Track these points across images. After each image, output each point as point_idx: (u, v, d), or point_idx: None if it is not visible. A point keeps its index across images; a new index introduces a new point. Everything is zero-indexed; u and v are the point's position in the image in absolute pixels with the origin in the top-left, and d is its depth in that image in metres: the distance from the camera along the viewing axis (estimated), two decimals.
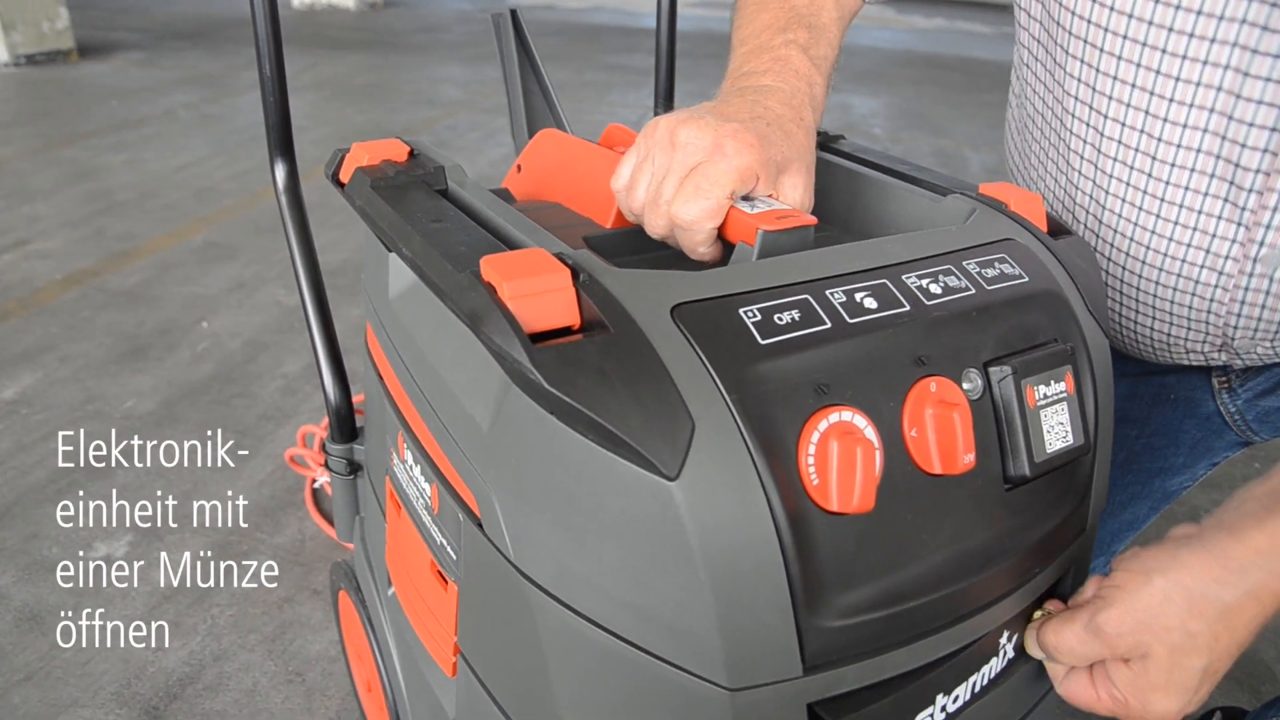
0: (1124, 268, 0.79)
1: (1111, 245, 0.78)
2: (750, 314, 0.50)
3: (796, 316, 0.51)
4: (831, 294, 0.53)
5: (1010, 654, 0.61)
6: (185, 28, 6.54)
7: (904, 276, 0.56)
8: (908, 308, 0.54)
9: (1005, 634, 0.60)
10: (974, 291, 0.57)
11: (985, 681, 0.60)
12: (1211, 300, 0.74)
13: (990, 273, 0.58)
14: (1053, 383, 0.57)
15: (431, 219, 0.63)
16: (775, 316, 0.50)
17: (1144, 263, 0.76)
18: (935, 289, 0.56)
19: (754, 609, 0.48)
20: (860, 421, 0.49)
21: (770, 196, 0.61)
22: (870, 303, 0.53)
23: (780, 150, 0.61)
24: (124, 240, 2.79)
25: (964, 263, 0.58)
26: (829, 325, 0.51)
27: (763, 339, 0.49)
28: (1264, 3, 0.61)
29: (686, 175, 0.59)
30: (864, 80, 6.14)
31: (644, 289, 0.51)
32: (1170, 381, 0.93)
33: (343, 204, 0.78)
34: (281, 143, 0.94)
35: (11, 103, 4.34)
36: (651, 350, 0.47)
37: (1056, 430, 0.57)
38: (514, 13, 1.10)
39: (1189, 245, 0.72)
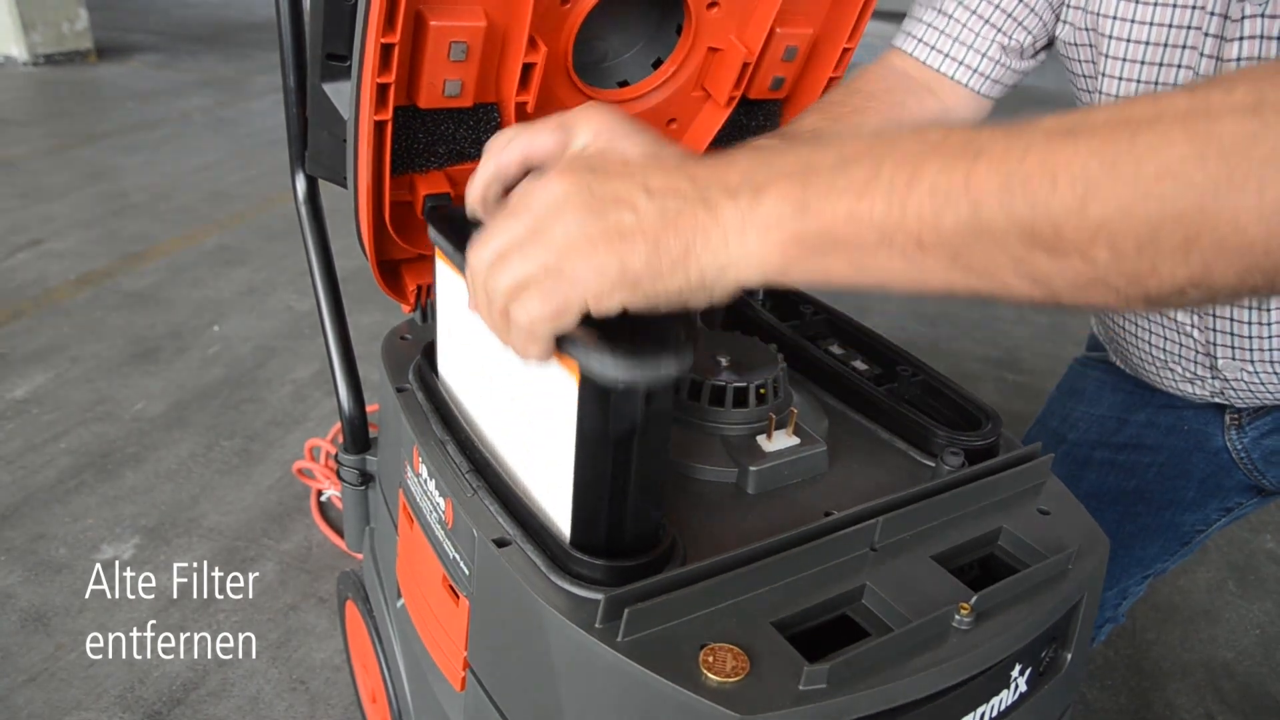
0: None
1: None
2: None
3: None
4: None
5: (1022, 687, 0.61)
6: (201, 31, 6.60)
7: None
8: None
9: (1017, 666, 0.60)
10: None
11: (995, 713, 0.60)
12: (1193, 312, 0.81)
13: None
14: None
15: None
16: None
17: None
18: None
19: None
20: None
21: None
22: None
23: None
24: (137, 242, 2.81)
25: None
26: None
27: None
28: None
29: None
30: None
31: None
32: (1187, 415, 0.96)
33: None
34: (303, 153, 0.95)
35: (30, 102, 4.38)
36: None
37: None
38: None
39: None
